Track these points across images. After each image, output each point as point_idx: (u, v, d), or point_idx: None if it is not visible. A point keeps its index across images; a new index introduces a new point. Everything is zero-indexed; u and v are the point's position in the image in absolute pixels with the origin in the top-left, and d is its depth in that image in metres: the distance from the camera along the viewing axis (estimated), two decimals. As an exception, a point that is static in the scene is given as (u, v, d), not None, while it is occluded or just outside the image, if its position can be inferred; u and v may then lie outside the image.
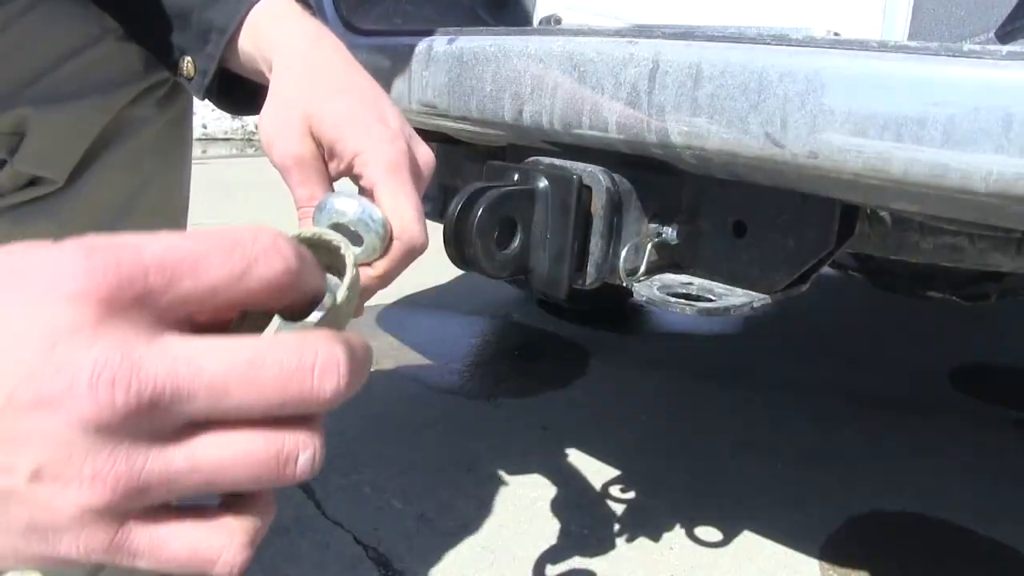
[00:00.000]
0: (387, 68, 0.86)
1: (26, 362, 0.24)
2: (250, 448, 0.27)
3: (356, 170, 0.50)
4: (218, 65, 0.60)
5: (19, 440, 0.25)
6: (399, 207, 0.47)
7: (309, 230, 0.34)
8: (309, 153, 0.51)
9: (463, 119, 0.78)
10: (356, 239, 0.45)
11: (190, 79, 0.62)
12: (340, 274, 0.33)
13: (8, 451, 0.25)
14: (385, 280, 0.48)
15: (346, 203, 0.45)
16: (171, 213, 0.77)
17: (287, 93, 0.53)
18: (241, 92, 0.63)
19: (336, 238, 0.34)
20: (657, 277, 0.71)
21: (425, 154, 0.52)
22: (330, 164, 0.52)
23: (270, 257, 0.27)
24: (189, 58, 0.61)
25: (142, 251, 0.26)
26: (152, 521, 0.27)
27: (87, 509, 0.26)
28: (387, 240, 0.46)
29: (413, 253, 0.48)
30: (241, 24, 0.58)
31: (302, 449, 0.28)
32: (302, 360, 0.27)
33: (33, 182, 0.66)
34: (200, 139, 4.20)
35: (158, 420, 0.26)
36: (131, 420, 0.25)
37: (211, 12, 0.58)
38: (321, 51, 0.55)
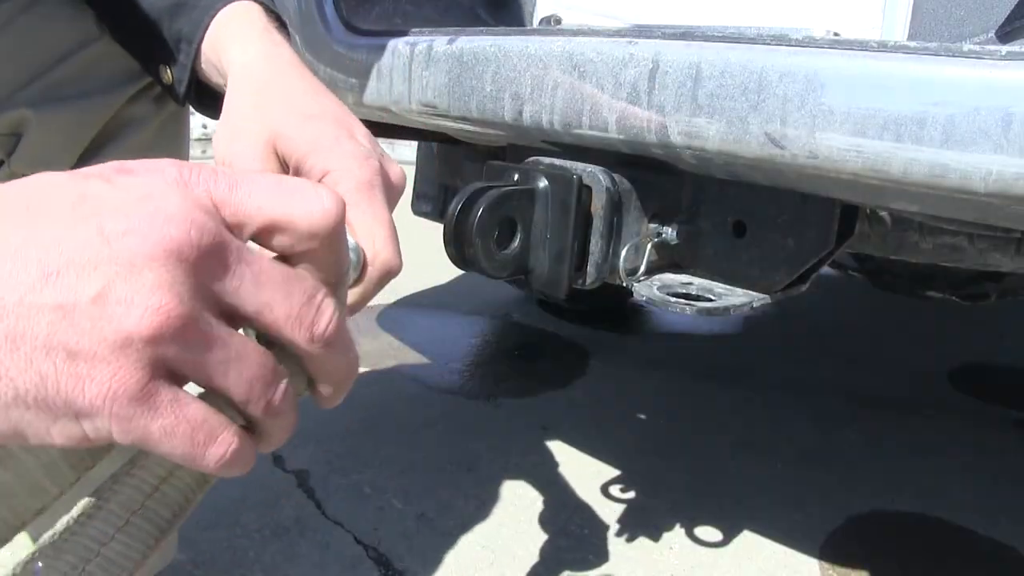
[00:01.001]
0: (387, 68, 0.86)
1: (121, 200, 0.28)
2: (258, 363, 0.30)
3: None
4: (192, 73, 0.60)
5: (99, 261, 0.27)
6: (372, 229, 0.45)
7: None
8: (273, 171, 0.48)
9: (463, 119, 0.78)
10: None
11: (170, 86, 0.63)
12: None
13: (82, 272, 0.27)
14: (357, 306, 0.46)
15: None
16: None
17: (246, 111, 0.51)
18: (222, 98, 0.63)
19: None
20: (657, 277, 0.71)
21: (396, 173, 0.50)
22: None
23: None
24: (166, 66, 0.62)
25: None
26: (176, 384, 0.29)
27: (136, 337, 0.27)
28: (360, 267, 0.44)
29: (387, 277, 0.46)
30: (204, 33, 0.58)
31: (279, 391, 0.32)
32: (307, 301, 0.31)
33: None
34: (200, 139, 4.21)
35: (216, 284, 0.29)
36: (201, 267, 0.28)
37: (179, 22, 0.59)
38: (281, 71, 0.53)
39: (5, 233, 0.27)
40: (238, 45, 0.56)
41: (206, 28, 0.58)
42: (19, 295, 0.26)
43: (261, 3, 0.61)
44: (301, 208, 0.31)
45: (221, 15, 0.58)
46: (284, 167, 0.49)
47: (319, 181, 0.46)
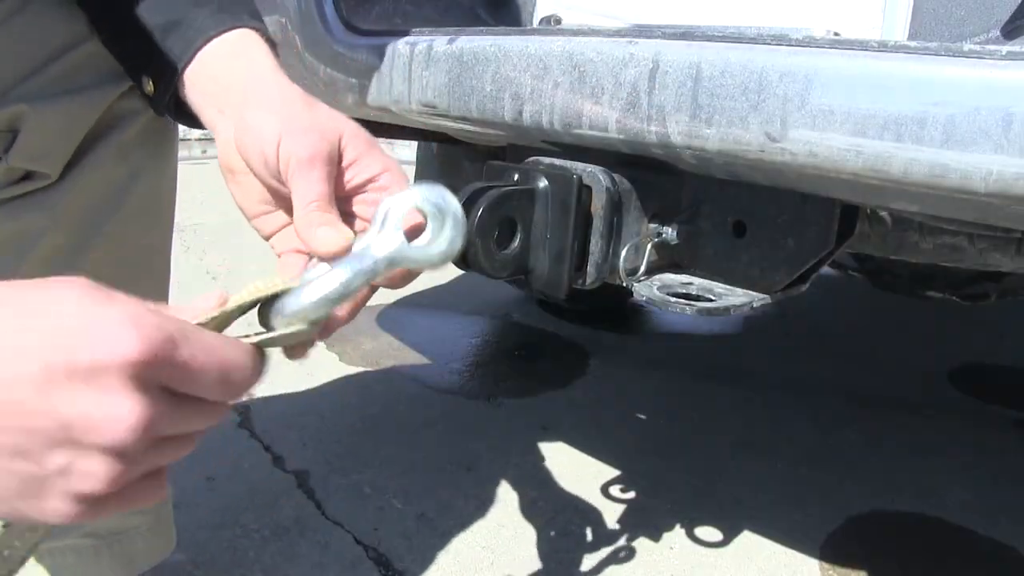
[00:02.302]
0: (387, 68, 0.86)
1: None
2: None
3: (371, 187, 0.54)
4: (174, 88, 0.61)
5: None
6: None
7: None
8: (327, 152, 0.52)
9: (463, 119, 0.78)
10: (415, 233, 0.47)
11: (150, 97, 0.63)
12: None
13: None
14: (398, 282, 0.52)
15: (434, 190, 0.47)
16: (160, 203, 0.78)
17: (295, 105, 0.54)
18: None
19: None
20: (657, 277, 0.71)
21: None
22: (343, 175, 0.54)
23: (240, 385, 0.42)
24: (149, 78, 0.62)
25: (178, 348, 0.38)
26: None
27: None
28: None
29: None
30: (195, 55, 0.59)
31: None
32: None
33: (27, 176, 0.66)
34: (200, 139, 4.21)
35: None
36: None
37: (171, 39, 0.60)
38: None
39: None
40: (255, 60, 0.59)
41: (197, 50, 0.59)
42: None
43: (259, 30, 0.62)
44: (224, 397, 0.42)
45: (222, 44, 0.60)
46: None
47: (369, 178, 0.54)
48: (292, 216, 0.54)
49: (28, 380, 0.35)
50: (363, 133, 0.55)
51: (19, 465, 0.36)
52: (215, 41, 0.60)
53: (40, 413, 0.35)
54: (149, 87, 0.63)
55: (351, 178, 0.54)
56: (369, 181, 0.55)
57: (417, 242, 0.47)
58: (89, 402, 0.35)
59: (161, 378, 0.37)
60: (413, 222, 0.47)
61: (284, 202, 0.56)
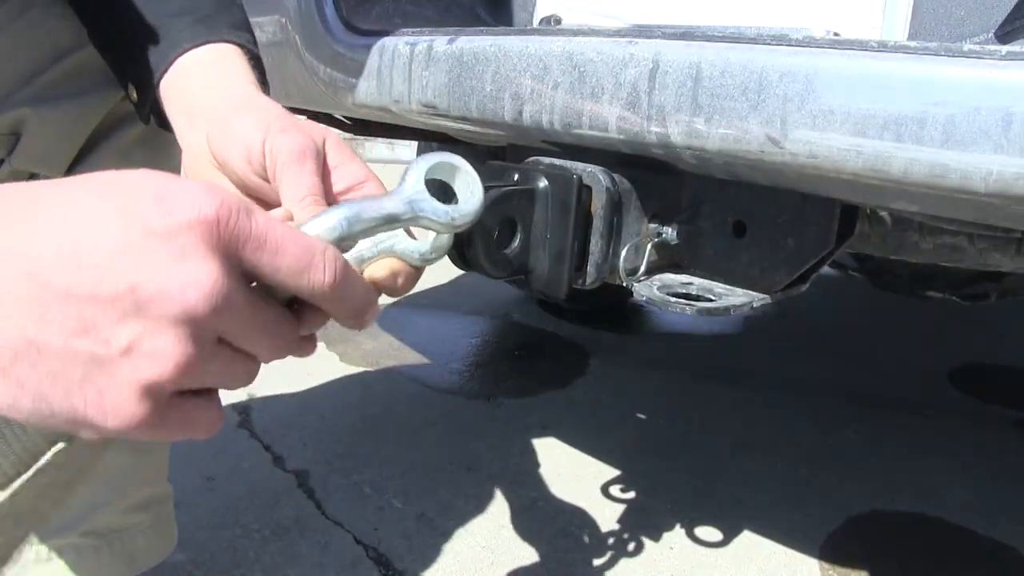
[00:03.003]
0: (387, 68, 0.86)
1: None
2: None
3: (355, 193, 0.53)
4: (153, 100, 0.62)
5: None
6: None
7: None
8: (314, 148, 0.52)
9: (463, 119, 0.78)
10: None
11: (135, 104, 0.64)
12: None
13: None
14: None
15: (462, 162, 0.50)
16: None
17: (277, 110, 0.54)
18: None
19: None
20: (657, 277, 0.71)
21: None
22: (328, 177, 0.53)
23: (324, 269, 0.38)
24: (133, 86, 0.63)
25: (254, 216, 0.36)
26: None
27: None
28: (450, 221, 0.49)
29: None
30: (167, 68, 0.60)
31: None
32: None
33: (31, 177, 0.67)
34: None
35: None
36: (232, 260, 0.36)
37: (149, 51, 0.60)
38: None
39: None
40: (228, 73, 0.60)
41: (171, 62, 0.59)
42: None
43: (240, 44, 0.61)
44: (308, 283, 0.38)
45: (194, 58, 0.60)
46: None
47: (350, 185, 0.53)
48: None
49: (104, 246, 0.33)
50: (344, 142, 0.55)
51: (81, 343, 0.33)
52: (188, 55, 0.60)
53: (111, 279, 0.33)
54: (133, 94, 0.64)
55: (334, 182, 0.53)
56: (351, 188, 0.54)
57: (440, 203, 0.48)
58: (164, 265, 0.33)
59: (239, 249, 0.35)
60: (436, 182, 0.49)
61: (263, 205, 0.54)
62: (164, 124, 0.65)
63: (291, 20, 1.02)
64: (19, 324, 0.32)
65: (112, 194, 0.34)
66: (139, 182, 0.35)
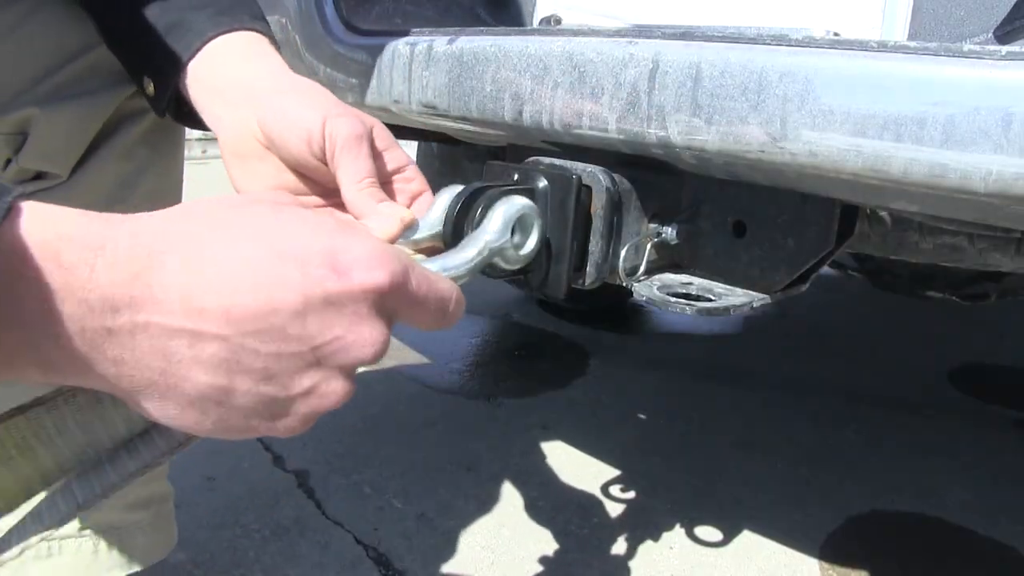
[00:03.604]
0: (387, 68, 0.86)
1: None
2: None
3: (397, 177, 0.59)
4: (174, 90, 0.63)
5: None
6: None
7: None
8: (368, 134, 0.56)
9: (463, 119, 0.78)
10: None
11: (151, 98, 0.64)
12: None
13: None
14: None
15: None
16: (165, 200, 0.78)
17: (329, 95, 0.58)
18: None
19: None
20: (657, 277, 0.71)
21: None
22: (380, 160, 0.58)
23: (452, 318, 0.45)
24: (150, 79, 0.64)
25: (411, 278, 0.41)
26: None
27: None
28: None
29: None
30: (194, 55, 0.61)
31: None
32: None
33: (38, 176, 0.67)
34: (200, 139, 4.20)
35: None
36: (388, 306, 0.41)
37: (171, 41, 0.61)
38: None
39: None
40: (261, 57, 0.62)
41: (197, 51, 0.61)
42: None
43: (263, 32, 0.63)
44: (438, 327, 0.44)
45: (228, 43, 0.61)
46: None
47: (397, 168, 0.59)
48: (305, 201, 0.59)
49: (287, 309, 0.36)
50: (387, 129, 0.59)
51: (267, 388, 0.38)
52: (219, 41, 0.61)
53: (296, 339, 0.37)
54: (150, 88, 0.64)
55: (381, 166, 0.58)
56: (396, 171, 0.59)
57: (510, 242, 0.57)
58: (343, 328, 0.38)
59: (398, 311, 0.41)
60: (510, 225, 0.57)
61: (312, 185, 0.59)
62: (181, 116, 0.65)
63: (291, 20, 1.02)
64: (211, 370, 0.36)
65: (290, 257, 0.37)
66: (311, 240, 0.38)
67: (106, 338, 0.34)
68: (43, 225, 0.33)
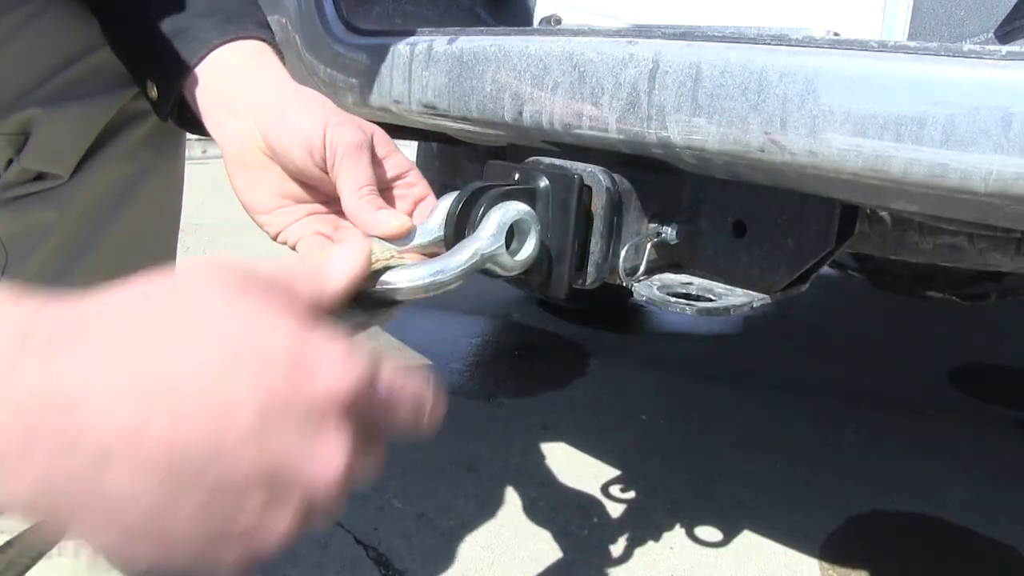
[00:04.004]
0: (387, 68, 0.86)
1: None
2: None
3: (399, 183, 0.60)
4: (178, 94, 0.63)
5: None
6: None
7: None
8: (369, 142, 0.57)
9: (463, 119, 0.78)
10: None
11: (154, 102, 0.65)
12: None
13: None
14: None
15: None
16: (166, 202, 0.79)
17: (330, 104, 0.58)
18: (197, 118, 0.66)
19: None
20: (657, 277, 0.71)
21: None
22: (381, 167, 0.59)
23: (429, 420, 0.39)
24: (154, 83, 0.64)
25: (381, 379, 0.36)
26: None
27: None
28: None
29: None
30: (199, 61, 0.61)
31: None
32: None
33: (40, 176, 0.68)
34: (200, 139, 4.21)
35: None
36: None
37: (177, 47, 0.62)
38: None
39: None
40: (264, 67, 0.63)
41: (202, 58, 0.61)
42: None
43: (268, 41, 0.64)
44: (412, 428, 0.38)
45: (231, 52, 0.62)
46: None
47: (399, 174, 0.59)
48: (308, 209, 0.60)
49: (239, 428, 0.31)
50: (387, 135, 0.60)
51: (209, 517, 0.32)
52: (224, 49, 0.62)
53: (251, 452, 0.31)
54: (153, 92, 0.64)
55: (382, 173, 0.58)
56: (398, 177, 0.60)
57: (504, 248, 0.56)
58: (299, 447, 0.32)
59: (366, 416, 0.35)
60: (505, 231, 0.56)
61: (314, 193, 0.60)
62: (183, 121, 0.66)
63: (291, 20, 1.02)
64: (150, 486, 0.30)
65: (245, 356, 0.32)
66: (272, 347, 0.32)
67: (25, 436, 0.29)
68: None
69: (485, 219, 0.56)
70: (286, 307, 0.35)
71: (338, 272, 0.42)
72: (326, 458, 0.33)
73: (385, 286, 0.48)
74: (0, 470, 0.29)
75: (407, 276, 0.49)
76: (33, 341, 0.30)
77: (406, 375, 0.38)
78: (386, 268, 0.49)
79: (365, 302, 0.47)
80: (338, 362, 0.33)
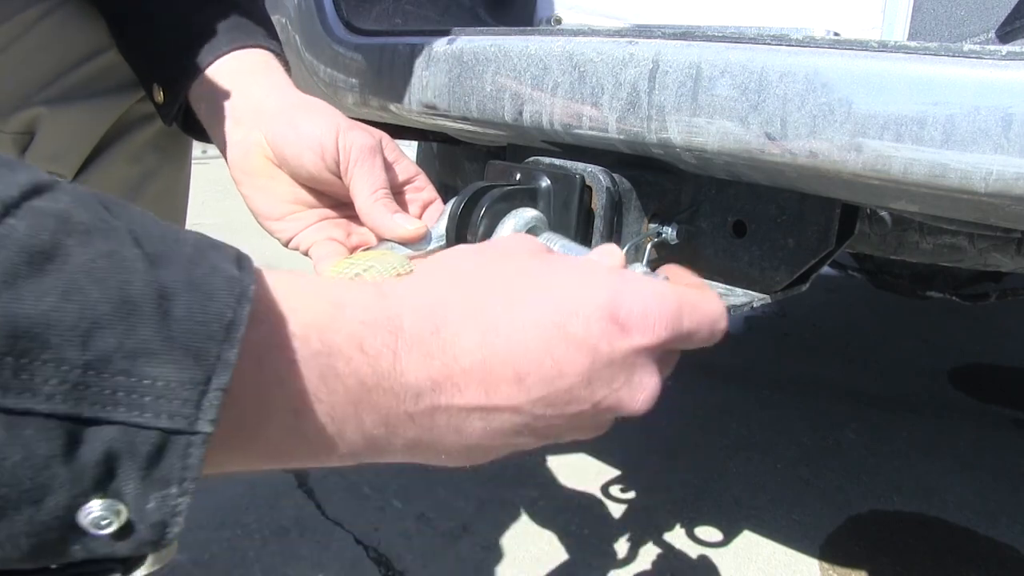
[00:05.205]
0: (387, 68, 0.86)
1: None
2: None
3: (408, 187, 0.61)
4: (184, 100, 0.64)
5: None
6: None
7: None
8: (379, 147, 0.58)
9: (463, 119, 0.78)
10: None
11: (159, 106, 0.65)
12: None
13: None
14: None
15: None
16: (172, 205, 0.79)
17: (338, 111, 0.59)
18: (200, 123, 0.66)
19: None
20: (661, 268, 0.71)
21: None
22: (391, 171, 0.60)
23: (723, 330, 0.43)
24: (160, 87, 0.64)
25: (685, 315, 0.40)
26: None
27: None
28: None
29: None
30: (205, 69, 0.62)
31: None
32: None
33: None
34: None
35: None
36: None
37: (185, 55, 0.62)
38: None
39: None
40: (266, 82, 0.63)
41: (209, 64, 0.62)
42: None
43: (275, 51, 0.65)
44: (709, 343, 0.43)
45: (238, 61, 0.62)
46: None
47: (409, 178, 0.61)
48: (319, 215, 0.60)
49: (574, 372, 0.36)
50: (394, 141, 0.61)
51: (543, 440, 0.39)
52: (231, 57, 0.62)
53: (580, 400, 0.37)
54: (159, 96, 0.65)
55: (393, 177, 0.59)
56: (407, 182, 0.61)
57: None
58: (620, 382, 0.38)
59: (671, 349, 0.41)
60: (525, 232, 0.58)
61: (323, 199, 0.61)
62: (188, 126, 0.66)
63: (291, 20, 1.02)
64: (500, 436, 0.37)
65: (571, 315, 0.36)
66: (588, 295, 0.37)
67: (407, 422, 0.34)
68: (337, 311, 0.32)
69: (500, 225, 0.58)
70: (592, 272, 0.39)
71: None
72: (637, 390, 0.39)
73: None
74: (394, 434, 0.34)
75: None
76: (406, 331, 0.34)
77: (703, 304, 0.42)
78: None
79: None
80: (652, 314, 0.38)
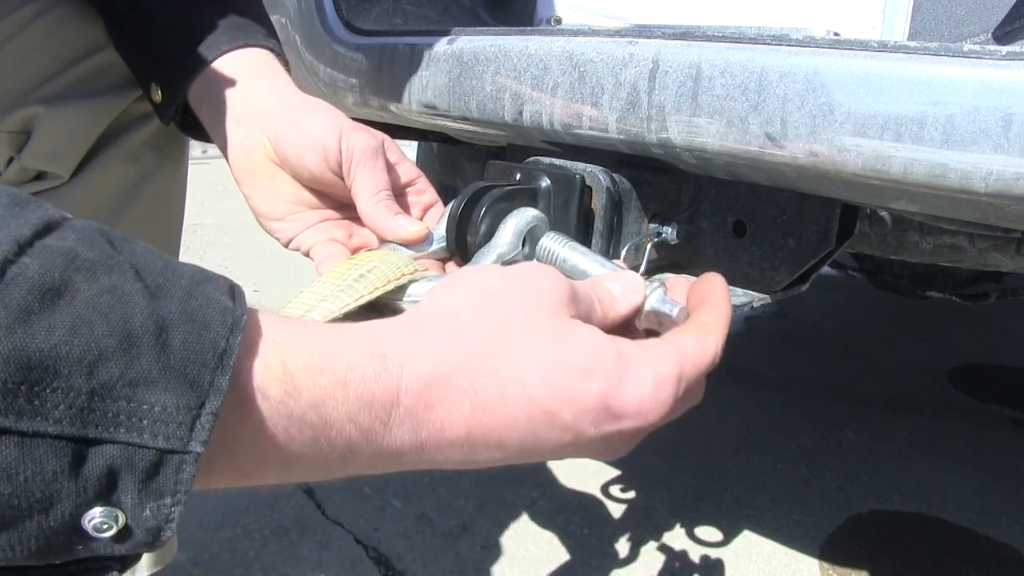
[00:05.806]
0: (387, 68, 0.86)
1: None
2: None
3: (410, 189, 0.61)
4: (182, 99, 0.63)
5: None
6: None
7: None
8: (382, 148, 0.58)
9: (463, 119, 0.78)
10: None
11: (157, 105, 0.65)
12: None
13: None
14: None
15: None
16: (170, 204, 0.78)
17: (339, 112, 0.59)
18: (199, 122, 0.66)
19: None
20: (657, 277, 0.71)
21: None
22: (393, 172, 0.60)
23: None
24: (157, 87, 0.64)
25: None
26: None
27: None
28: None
29: None
30: (204, 69, 0.62)
31: None
32: None
33: (40, 176, 0.67)
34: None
35: None
36: None
37: (184, 54, 0.62)
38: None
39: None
40: (266, 81, 0.63)
41: (208, 64, 0.61)
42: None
43: (275, 51, 0.65)
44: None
45: (238, 60, 0.62)
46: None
47: (411, 181, 0.61)
48: (321, 216, 0.60)
49: (558, 445, 0.38)
50: (395, 144, 0.61)
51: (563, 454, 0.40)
52: (230, 56, 0.62)
53: (558, 454, 0.39)
54: (157, 95, 0.64)
55: (395, 179, 0.59)
56: (408, 184, 0.61)
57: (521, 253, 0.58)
58: (600, 452, 0.40)
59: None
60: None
61: (325, 199, 0.60)
62: (186, 126, 0.66)
63: (291, 20, 1.02)
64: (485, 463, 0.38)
65: (568, 403, 0.37)
66: (592, 387, 0.37)
67: (390, 466, 0.36)
68: (340, 390, 0.33)
69: (502, 226, 0.57)
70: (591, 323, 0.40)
71: (625, 304, 0.45)
72: (613, 454, 0.41)
73: (412, 298, 0.48)
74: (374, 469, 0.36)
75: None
76: (399, 412, 0.34)
77: (700, 351, 0.41)
78: (411, 281, 0.49)
79: (391, 315, 0.48)
80: (642, 410, 0.38)
